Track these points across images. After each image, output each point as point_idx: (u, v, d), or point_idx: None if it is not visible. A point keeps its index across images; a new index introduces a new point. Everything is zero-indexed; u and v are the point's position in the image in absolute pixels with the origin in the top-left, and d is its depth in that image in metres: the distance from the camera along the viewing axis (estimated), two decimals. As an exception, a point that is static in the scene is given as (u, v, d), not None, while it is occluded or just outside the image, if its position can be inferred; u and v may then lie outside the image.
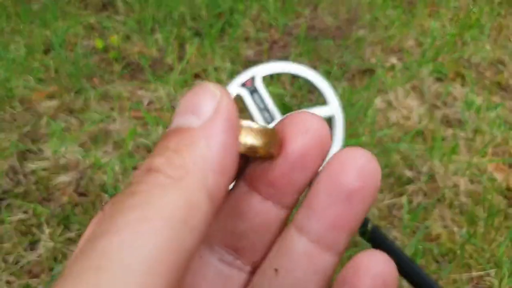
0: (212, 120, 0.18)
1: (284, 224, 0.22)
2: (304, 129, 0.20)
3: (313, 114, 0.20)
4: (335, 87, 1.35)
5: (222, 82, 1.37)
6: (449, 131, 1.33)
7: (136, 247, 0.14)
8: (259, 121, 1.08)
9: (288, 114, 0.20)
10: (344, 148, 0.21)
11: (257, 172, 0.21)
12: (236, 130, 0.19)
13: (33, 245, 0.97)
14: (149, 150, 1.17)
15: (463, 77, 1.55)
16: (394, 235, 1.05)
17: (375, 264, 0.20)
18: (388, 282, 0.20)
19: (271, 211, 0.21)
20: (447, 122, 1.38)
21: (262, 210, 0.21)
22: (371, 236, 0.95)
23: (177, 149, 0.17)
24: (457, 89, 1.48)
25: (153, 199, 0.16)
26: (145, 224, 0.15)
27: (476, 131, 1.32)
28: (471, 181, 1.19)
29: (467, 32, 1.72)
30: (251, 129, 0.20)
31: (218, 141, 0.18)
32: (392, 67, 1.55)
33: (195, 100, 0.18)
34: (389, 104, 1.39)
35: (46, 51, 1.43)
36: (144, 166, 0.17)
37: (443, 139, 1.28)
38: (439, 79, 1.53)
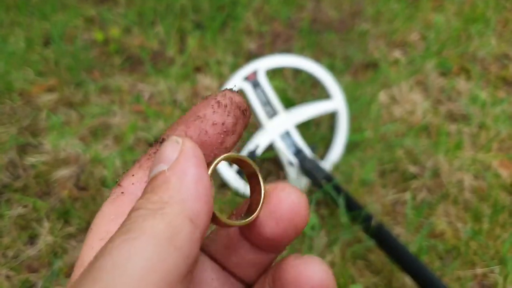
0: (177, 161, 0.21)
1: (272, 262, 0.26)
2: (277, 216, 0.22)
3: (290, 194, 0.22)
4: (338, 81, 1.34)
5: (224, 76, 1.36)
6: (454, 127, 1.32)
7: (125, 264, 0.17)
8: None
9: (267, 189, 0.23)
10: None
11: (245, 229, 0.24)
12: (202, 162, 0.21)
13: (32, 239, 0.95)
14: (149, 144, 1.15)
15: (467, 71, 1.53)
16: (398, 231, 1.03)
17: (315, 275, 0.22)
18: None
19: (259, 253, 0.24)
20: (451, 117, 1.36)
21: (252, 251, 0.24)
22: (375, 232, 0.94)
23: (153, 190, 0.20)
24: (461, 84, 1.47)
25: (136, 224, 0.19)
26: (132, 243, 0.18)
27: (481, 126, 1.30)
28: (476, 177, 1.18)
29: (472, 26, 1.70)
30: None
31: (187, 174, 0.21)
32: (396, 61, 1.53)
33: (162, 151, 0.22)
34: (393, 98, 1.37)
35: (46, 44, 1.41)
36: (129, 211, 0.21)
37: (448, 134, 1.27)
38: (443, 74, 1.52)
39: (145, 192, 0.21)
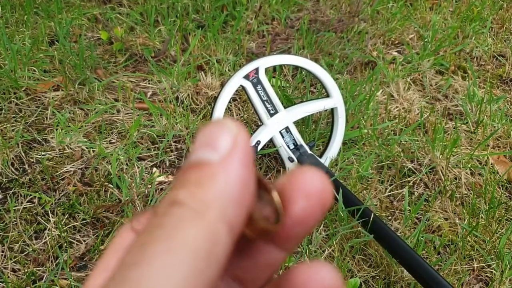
0: (230, 154, 0.19)
1: (284, 261, 0.24)
2: (307, 193, 0.20)
3: (316, 173, 0.21)
4: (337, 80, 1.36)
5: (225, 74, 1.38)
6: (451, 124, 1.34)
7: (165, 278, 0.16)
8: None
9: (291, 172, 0.21)
10: None
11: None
12: (253, 164, 0.19)
13: (38, 233, 0.98)
14: (153, 141, 1.18)
15: (464, 70, 1.55)
16: (396, 226, 1.06)
17: (326, 280, 0.20)
18: None
19: (272, 252, 0.22)
20: (448, 115, 1.39)
21: (265, 250, 0.22)
22: (372, 227, 0.96)
23: (199, 183, 0.18)
24: (458, 82, 1.49)
25: (178, 232, 0.17)
26: (172, 256, 0.16)
27: (478, 124, 1.32)
28: (472, 174, 1.20)
29: (468, 25, 1.72)
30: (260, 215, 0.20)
31: (236, 175, 0.18)
32: (394, 60, 1.55)
33: (213, 135, 0.19)
34: (391, 96, 1.40)
35: (51, 43, 1.44)
36: (168, 198, 0.18)
37: (445, 131, 1.29)
38: (440, 72, 1.54)
39: (188, 179, 0.18)
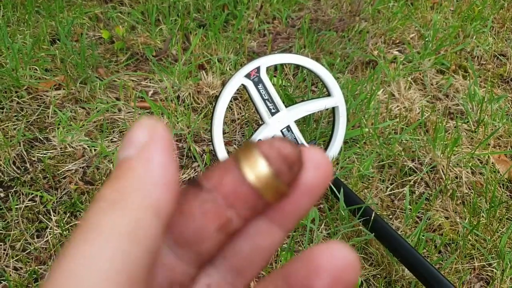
0: (146, 146, 0.20)
1: (281, 243, 0.24)
2: (316, 164, 0.21)
3: (321, 150, 0.22)
4: (338, 79, 1.36)
5: (226, 73, 1.38)
6: (452, 123, 1.34)
7: (83, 271, 0.16)
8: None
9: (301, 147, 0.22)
10: None
11: None
12: (170, 147, 0.20)
13: (40, 232, 0.98)
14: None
15: (465, 69, 1.55)
16: (397, 225, 1.06)
17: (334, 261, 0.20)
18: (349, 279, 0.20)
19: (275, 234, 0.22)
20: (449, 114, 1.39)
21: (268, 233, 0.22)
22: (373, 226, 0.97)
23: (117, 178, 0.19)
24: (459, 81, 1.49)
25: (95, 220, 0.18)
26: (91, 244, 0.17)
27: (479, 123, 1.33)
28: (473, 173, 1.20)
29: (469, 25, 1.72)
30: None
31: (154, 161, 0.19)
32: (394, 59, 1.56)
33: (131, 134, 0.20)
34: (392, 95, 1.40)
35: (52, 42, 1.44)
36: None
37: (446, 130, 1.29)
38: (441, 71, 1.54)
39: (110, 178, 0.19)
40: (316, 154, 0.21)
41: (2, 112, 1.19)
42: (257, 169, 0.19)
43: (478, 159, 1.24)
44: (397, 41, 1.66)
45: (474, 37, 1.68)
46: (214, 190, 0.20)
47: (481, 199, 1.12)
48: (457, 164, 1.20)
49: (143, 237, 0.18)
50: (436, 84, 1.49)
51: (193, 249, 0.20)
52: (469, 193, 1.14)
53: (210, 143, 1.15)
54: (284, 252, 0.97)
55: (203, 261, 0.20)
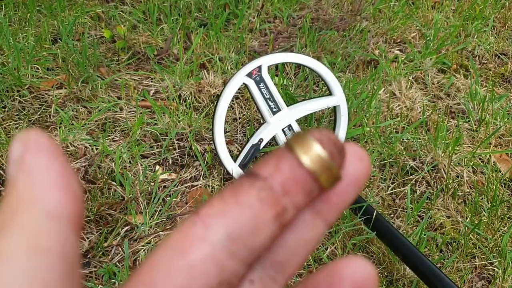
0: (22, 157, 0.19)
1: (322, 236, 0.23)
2: (360, 156, 0.22)
3: (360, 146, 0.22)
4: (339, 78, 1.36)
5: (228, 72, 1.39)
6: (453, 122, 1.34)
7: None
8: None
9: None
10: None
11: None
12: (49, 148, 0.20)
13: (42, 231, 0.98)
14: (155, 138, 1.18)
15: (466, 68, 1.55)
16: (398, 224, 1.06)
17: (356, 274, 0.21)
18: None
19: (319, 227, 0.22)
20: (450, 113, 1.39)
21: (312, 225, 0.22)
22: (374, 224, 0.97)
23: (4, 197, 0.19)
24: (460, 81, 1.49)
25: None
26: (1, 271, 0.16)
27: (480, 122, 1.33)
28: (475, 172, 1.20)
29: (470, 24, 1.72)
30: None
31: (35, 166, 0.19)
32: (396, 58, 1.56)
33: (9, 153, 0.20)
34: (393, 95, 1.40)
35: (54, 41, 1.44)
36: None
37: (447, 130, 1.29)
38: (442, 71, 1.54)
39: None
40: (356, 147, 0.22)
41: (4, 111, 1.20)
42: (312, 152, 0.20)
43: (480, 158, 1.24)
44: (398, 40, 1.66)
45: (476, 36, 1.69)
46: (270, 177, 0.19)
47: (482, 198, 1.12)
48: (459, 163, 1.20)
49: (46, 243, 0.17)
50: (437, 83, 1.49)
51: (247, 244, 0.19)
52: (471, 192, 1.14)
53: (212, 142, 1.15)
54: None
55: (254, 258, 0.20)
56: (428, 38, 1.62)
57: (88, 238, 0.97)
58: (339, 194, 0.21)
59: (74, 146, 1.13)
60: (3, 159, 1.08)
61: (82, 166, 1.09)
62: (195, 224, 0.19)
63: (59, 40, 1.43)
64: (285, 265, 0.22)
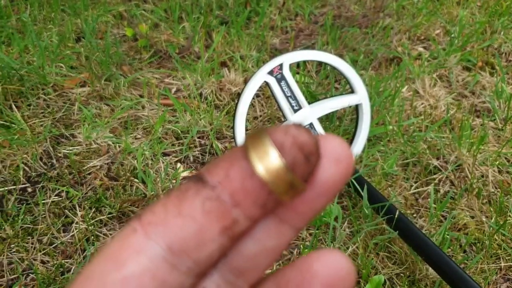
0: None
1: (289, 243, 0.22)
2: (337, 157, 0.18)
3: (341, 140, 0.19)
4: (361, 76, 1.35)
5: (249, 70, 1.38)
6: (478, 121, 1.32)
7: None
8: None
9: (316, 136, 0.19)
10: None
11: None
12: None
13: (66, 226, 1.00)
14: (177, 136, 1.19)
15: (492, 66, 1.52)
16: (421, 224, 1.05)
17: (330, 270, 0.19)
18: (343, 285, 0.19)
19: (285, 234, 0.20)
20: (475, 111, 1.36)
21: (277, 233, 0.20)
22: (397, 224, 0.96)
23: None
24: (486, 78, 1.46)
25: None
26: None
27: (506, 120, 1.30)
28: (500, 171, 1.18)
29: (497, 20, 1.69)
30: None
31: None
32: (419, 55, 1.53)
33: None
34: (416, 93, 1.38)
35: (78, 39, 1.46)
36: None
37: (472, 128, 1.27)
38: (467, 68, 1.51)
39: None
40: (336, 145, 0.18)
41: (30, 109, 1.22)
42: (267, 160, 0.17)
43: (505, 158, 1.21)
44: (422, 38, 1.63)
45: (502, 33, 1.65)
46: (218, 186, 0.17)
47: (508, 198, 1.10)
48: (483, 163, 1.18)
49: None
50: (462, 81, 1.46)
51: (191, 257, 0.17)
52: (496, 192, 1.12)
53: (233, 140, 1.16)
54: (306, 250, 0.96)
55: (203, 269, 0.18)
56: (452, 35, 1.59)
57: (111, 234, 0.98)
58: (307, 203, 0.19)
59: (97, 143, 1.14)
60: (28, 156, 1.10)
61: (105, 164, 1.11)
62: (135, 233, 0.18)
63: (83, 39, 1.44)
64: (245, 271, 0.20)
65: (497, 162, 1.18)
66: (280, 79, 1.09)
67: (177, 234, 0.17)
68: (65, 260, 0.94)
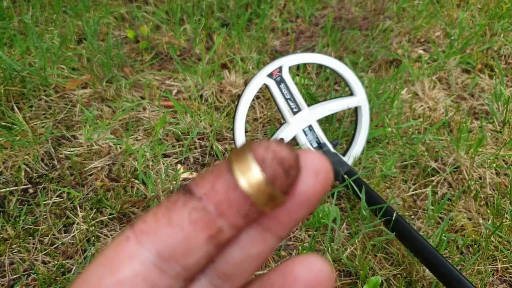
0: None
1: (273, 250, 0.23)
2: (316, 170, 0.20)
3: (320, 154, 0.20)
4: (361, 78, 1.36)
5: (249, 72, 1.39)
6: (476, 123, 1.32)
7: None
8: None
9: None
10: None
11: None
12: None
13: (67, 227, 1.01)
14: (177, 137, 1.20)
15: (491, 68, 1.53)
16: (418, 225, 1.05)
17: (310, 274, 0.20)
18: None
19: (268, 241, 0.21)
20: (474, 114, 1.37)
21: (261, 240, 0.21)
22: (394, 226, 0.96)
23: None
24: (485, 81, 1.47)
25: None
26: None
27: (504, 123, 1.31)
28: (498, 174, 1.19)
29: (497, 23, 1.69)
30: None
31: None
32: (419, 58, 1.54)
33: None
34: (415, 95, 1.39)
35: (79, 41, 1.47)
36: None
37: (470, 131, 1.28)
38: (466, 71, 1.52)
39: None
40: (315, 159, 0.20)
41: (31, 111, 1.23)
42: (249, 175, 0.18)
43: (503, 160, 1.22)
44: (422, 40, 1.64)
45: (502, 35, 1.66)
46: (204, 198, 0.19)
47: (505, 200, 1.11)
48: (481, 165, 1.19)
49: None
50: (461, 83, 1.47)
51: (180, 263, 0.19)
52: (493, 194, 1.13)
53: (233, 141, 1.17)
54: (305, 251, 0.97)
55: (191, 274, 0.19)
56: (452, 37, 1.59)
57: (111, 235, 0.99)
58: (288, 213, 0.20)
59: (98, 145, 1.15)
60: (30, 157, 1.11)
61: (106, 165, 1.12)
62: (128, 240, 0.19)
63: (84, 41, 1.46)
64: (231, 276, 0.21)
65: (495, 164, 1.19)
66: (280, 81, 1.10)
67: (166, 242, 0.19)
68: (66, 261, 0.95)
